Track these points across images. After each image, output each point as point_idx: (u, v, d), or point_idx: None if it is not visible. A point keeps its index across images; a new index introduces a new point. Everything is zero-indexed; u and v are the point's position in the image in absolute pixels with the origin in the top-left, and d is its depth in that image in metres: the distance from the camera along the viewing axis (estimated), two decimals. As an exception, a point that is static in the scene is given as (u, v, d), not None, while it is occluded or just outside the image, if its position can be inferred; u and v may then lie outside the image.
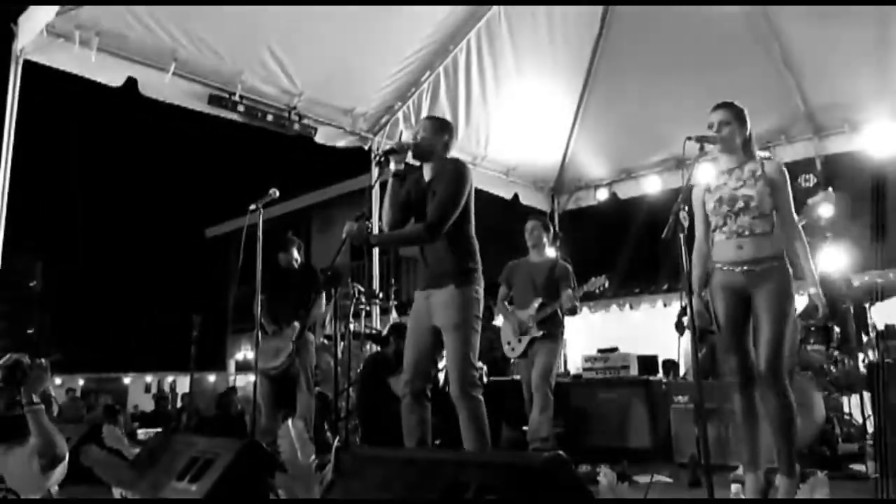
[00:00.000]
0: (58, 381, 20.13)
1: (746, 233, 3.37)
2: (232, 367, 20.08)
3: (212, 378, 21.45)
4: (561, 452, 1.82)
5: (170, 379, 21.60)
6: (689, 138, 3.26)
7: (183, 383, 19.14)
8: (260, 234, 4.53)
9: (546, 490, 1.77)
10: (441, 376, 4.58)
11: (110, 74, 5.46)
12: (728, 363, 3.48)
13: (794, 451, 3.31)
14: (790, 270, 3.36)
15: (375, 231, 4.08)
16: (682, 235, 2.98)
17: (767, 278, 3.31)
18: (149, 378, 23.10)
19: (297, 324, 5.17)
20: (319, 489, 2.39)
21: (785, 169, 3.47)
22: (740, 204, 3.38)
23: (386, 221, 3.69)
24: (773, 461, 3.39)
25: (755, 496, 3.26)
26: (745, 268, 3.36)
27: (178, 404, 13.80)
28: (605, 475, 2.15)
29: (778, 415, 3.26)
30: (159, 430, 8.77)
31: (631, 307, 11.48)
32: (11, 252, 4.90)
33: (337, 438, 3.66)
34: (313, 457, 2.68)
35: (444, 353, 3.53)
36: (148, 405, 17.11)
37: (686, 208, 3.01)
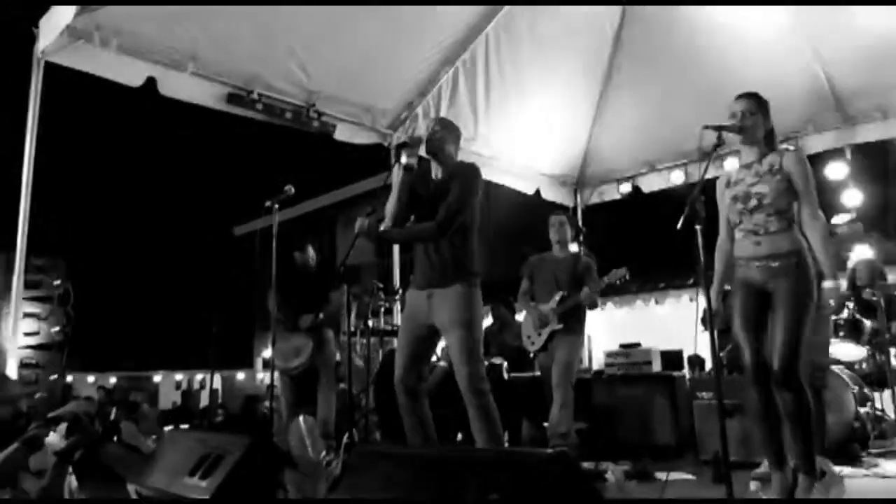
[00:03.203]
0: (90, 379, 20.52)
1: (762, 231, 3.30)
2: (259, 364, 20.28)
3: (240, 376, 21.71)
4: (565, 449, 1.77)
5: (199, 377, 21.88)
6: (706, 127, 3.19)
7: (213, 381, 19.37)
8: (275, 231, 4.53)
9: (550, 487, 1.72)
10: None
11: (130, 74, 5.48)
12: (743, 359, 3.39)
13: (813, 449, 3.22)
14: (811, 265, 3.26)
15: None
16: (698, 227, 2.91)
17: (786, 274, 3.23)
18: (179, 376, 23.43)
19: (307, 316, 5.15)
20: (326, 485, 2.37)
21: (806, 159, 3.37)
22: (754, 202, 3.31)
23: (390, 213, 3.71)
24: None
25: (781, 495, 3.17)
26: (763, 263, 3.29)
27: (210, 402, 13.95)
28: (613, 472, 2.10)
29: (793, 412, 3.18)
30: (185, 426, 8.87)
31: (656, 302, 11.36)
32: (36, 252, 4.97)
33: (346, 434, 3.64)
34: (323, 453, 2.66)
35: (450, 350, 3.53)
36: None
37: (703, 199, 2.94)
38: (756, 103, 3.40)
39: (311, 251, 5.45)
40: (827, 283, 3.24)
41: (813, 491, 2.96)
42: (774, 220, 3.28)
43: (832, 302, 3.24)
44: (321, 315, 5.16)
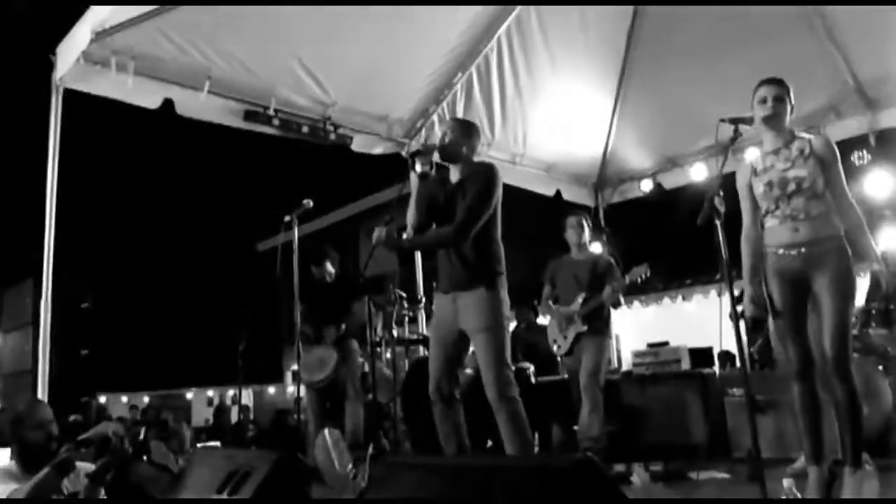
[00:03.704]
0: (124, 399, 20.77)
1: (802, 216, 3.23)
2: (289, 378, 20.38)
3: (271, 390, 21.83)
4: (590, 454, 1.74)
5: (231, 393, 22.03)
6: (723, 120, 3.14)
7: (245, 397, 19.50)
8: (295, 245, 4.55)
9: (575, 493, 1.70)
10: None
11: (147, 97, 5.55)
12: (786, 351, 3.32)
13: (861, 442, 3.15)
14: (849, 250, 3.20)
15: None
16: (718, 222, 2.87)
17: (828, 260, 3.16)
18: (210, 392, 23.62)
19: (330, 329, 5.16)
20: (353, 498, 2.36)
21: (834, 144, 3.31)
22: (792, 186, 3.23)
23: (411, 223, 3.69)
24: (837, 452, 3.23)
25: (819, 491, 3.11)
26: (803, 250, 3.21)
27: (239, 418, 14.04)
28: (638, 475, 2.06)
29: (845, 403, 3.12)
30: (217, 443, 8.93)
31: (683, 299, 11.23)
32: (62, 274, 5.04)
33: (371, 446, 3.63)
34: (350, 466, 2.65)
35: (477, 355, 3.49)
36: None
37: (721, 194, 2.90)
38: (785, 89, 3.34)
39: (328, 265, 5.46)
40: (876, 266, 3.17)
41: (850, 484, 2.90)
42: (814, 204, 3.22)
43: (883, 283, 3.17)
44: (344, 326, 5.17)
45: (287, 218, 4.59)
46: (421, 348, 6.96)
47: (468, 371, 5.27)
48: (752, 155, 3.55)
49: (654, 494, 2.48)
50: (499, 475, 1.83)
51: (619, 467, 4.36)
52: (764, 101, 3.31)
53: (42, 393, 4.63)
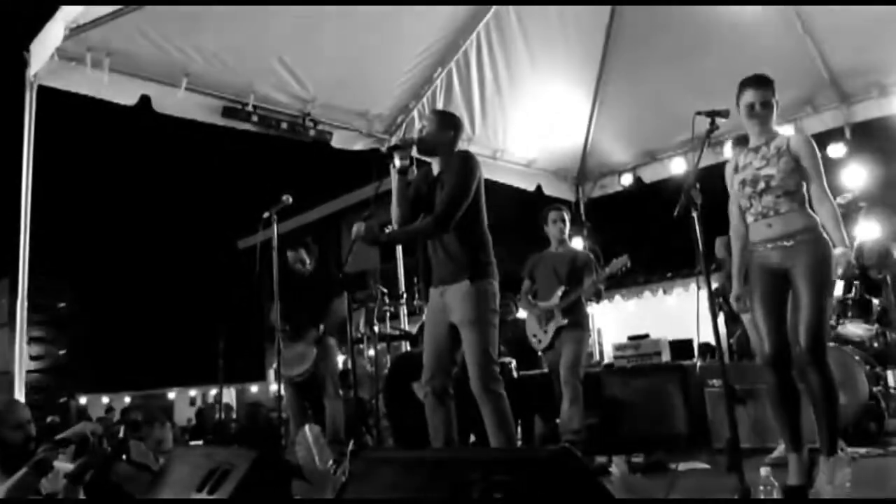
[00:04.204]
0: (105, 399, 20.59)
1: (772, 213, 3.29)
2: (271, 376, 20.29)
3: (254, 388, 21.73)
4: (567, 445, 1.75)
5: (213, 392, 21.89)
6: (699, 113, 3.16)
7: (227, 396, 19.40)
8: (275, 242, 4.53)
9: (554, 484, 1.70)
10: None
11: (123, 94, 5.50)
12: (761, 342, 3.36)
13: (837, 430, 3.20)
14: (828, 241, 3.24)
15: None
16: (695, 214, 2.89)
17: (803, 252, 3.21)
18: (193, 392, 23.47)
19: (320, 328, 5.14)
20: (333, 493, 2.36)
21: (812, 140, 3.36)
22: (762, 185, 3.30)
23: (395, 218, 3.66)
24: (815, 441, 3.28)
25: (799, 477, 3.15)
26: (778, 243, 3.27)
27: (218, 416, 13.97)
28: (617, 466, 2.07)
29: (821, 393, 3.16)
30: (200, 442, 8.88)
31: (664, 292, 11.31)
32: (38, 274, 4.97)
33: (351, 441, 3.61)
34: (331, 462, 2.64)
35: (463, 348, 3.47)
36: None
37: (698, 186, 2.92)
38: (771, 90, 3.36)
39: (303, 253, 5.42)
40: (837, 250, 3.21)
41: (824, 471, 2.94)
42: (784, 201, 3.27)
43: (840, 268, 3.20)
44: (322, 327, 5.15)
45: (266, 214, 4.55)
46: (402, 344, 6.97)
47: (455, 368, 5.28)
48: (730, 149, 3.59)
49: (632, 485, 2.50)
50: (477, 468, 1.83)
51: (601, 459, 4.40)
52: (751, 108, 3.34)
53: (19, 393, 4.58)
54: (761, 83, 3.36)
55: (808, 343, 3.13)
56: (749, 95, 3.36)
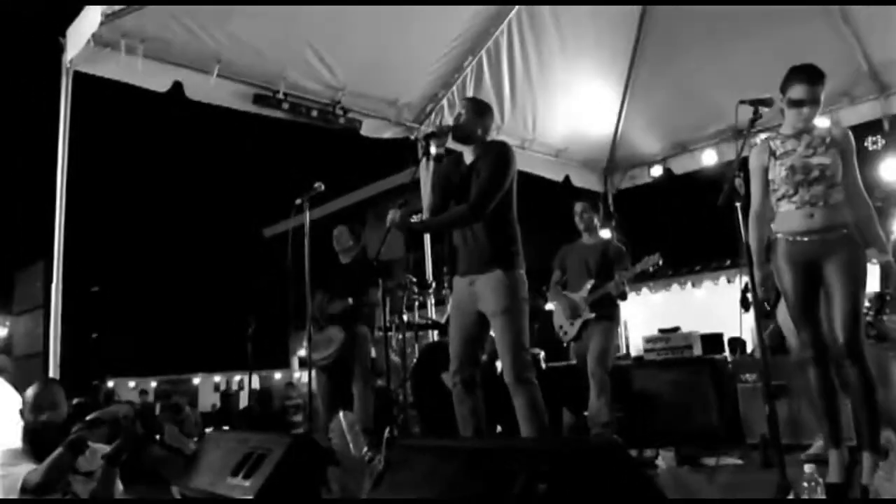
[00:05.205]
0: (131, 384, 20.88)
1: (820, 202, 3.21)
2: (295, 363, 20.44)
3: (278, 375, 21.93)
4: (616, 436, 1.72)
5: (237, 378, 22.12)
6: (743, 102, 3.10)
7: (251, 381, 19.61)
8: (307, 228, 4.52)
9: (600, 476, 1.68)
10: (498, 364, 4.51)
11: (157, 80, 5.52)
12: (799, 337, 3.31)
13: (878, 425, 3.15)
14: (860, 238, 3.20)
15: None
16: (738, 204, 2.84)
17: (840, 247, 3.16)
18: (217, 378, 23.73)
19: (339, 302, 5.13)
20: (370, 481, 2.35)
21: (852, 136, 3.30)
22: (815, 173, 3.22)
23: (427, 206, 3.65)
24: (852, 438, 3.22)
25: (839, 474, 3.11)
26: (816, 237, 3.20)
27: (244, 403, 14.13)
28: (664, 459, 2.04)
29: (859, 387, 3.12)
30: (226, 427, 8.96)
31: (693, 285, 11.20)
32: (71, 258, 5.04)
33: (388, 429, 3.61)
34: (365, 449, 2.64)
35: (494, 338, 3.45)
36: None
37: (742, 175, 2.87)
38: (822, 86, 3.27)
39: (346, 232, 5.47)
40: (885, 259, 3.17)
41: (878, 471, 2.89)
42: (833, 191, 3.22)
43: (893, 277, 3.16)
44: (351, 301, 5.13)
45: (298, 201, 4.54)
46: (430, 333, 6.95)
47: (482, 357, 5.25)
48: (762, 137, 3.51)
49: (680, 479, 2.46)
50: (520, 457, 1.81)
51: (632, 452, 4.36)
52: (801, 103, 3.24)
53: (53, 375, 4.64)
54: (814, 79, 3.26)
55: (847, 337, 3.09)
56: (800, 91, 3.26)
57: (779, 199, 3.33)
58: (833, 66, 6.36)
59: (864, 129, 6.79)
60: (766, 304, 3.84)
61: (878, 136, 6.77)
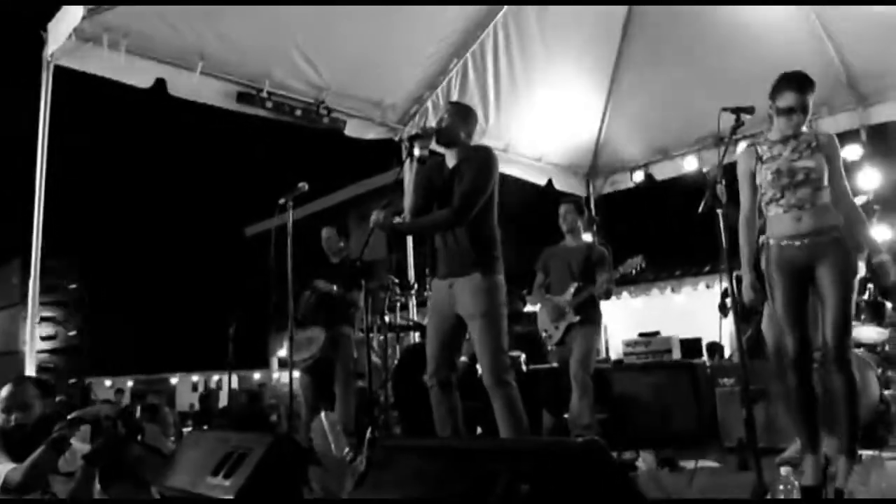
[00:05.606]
0: (107, 382, 20.64)
1: (807, 205, 3.24)
2: (275, 363, 20.32)
3: (256, 375, 21.78)
4: (597, 438, 1.74)
5: (216, 378, 21.94)
6: (725, 109, 3.14)
7: (231, 381, 19.48)
8: (290, 228, 4.51)
9: (582, 477, 1.69)
10: (479, 366, 4.52)
11: (139, 76, 5.47)
12: (783, 341, 3.33)
13: (858, 431, 3.20)
14: (850, 242, 3.24)
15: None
16: (719, 211, 2.87)
17: (831, 250, 3.19)
18: (195, 377, 23.53)
19: (324, 282, 5.11)
20: (352, 481, 2.35)
21: (837, 140, 3.35)
22: (800, 176, 3.25)
23: (409, 207, 3.66)
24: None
25: (815, 477, 3.14)
26: (806, 241, 3.23)
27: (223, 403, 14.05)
28: (645, 461, 2.06)
29: (844, 392, 3.16)
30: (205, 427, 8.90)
31: (673, 290, 11.30)
32: (50, 255, 4.98)
33: (369, 430, 3.61)
34: (347, 449, 2.63)
35: (472, 341, 3.47)
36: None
37: (723, 182, 2.90)
38: (811, 93, 3.30)
39: (334, 233, 5.47)
40: (885, 257, 3.21)
41: (852, 474, 2.94)
42: (819, 194, 3.25)
43: (892, 272, 3.20)
44: (335, 288, 5.13)
45: (282, 200, 4.53)
46: (412, 334, 6.95)
47: (462, 358, 5.26)
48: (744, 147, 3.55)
49: (660, 480, 2.49)
50: (503, 457, 1.82)
51: (612, 454, 4.38)
52: (790, 111, 3.27)
53: (30, 373, 4.58)
54: (804, 87, 3.29)
55: (835, 343, 3.12)
56: (789, 98, 3.28)
57: (767, 203, 3.37)
58: (812, 76, 6.56)
59: (841, 139, 6.85)
60: (753, 309, 3.87)
61: (857, 146, 6.87)
